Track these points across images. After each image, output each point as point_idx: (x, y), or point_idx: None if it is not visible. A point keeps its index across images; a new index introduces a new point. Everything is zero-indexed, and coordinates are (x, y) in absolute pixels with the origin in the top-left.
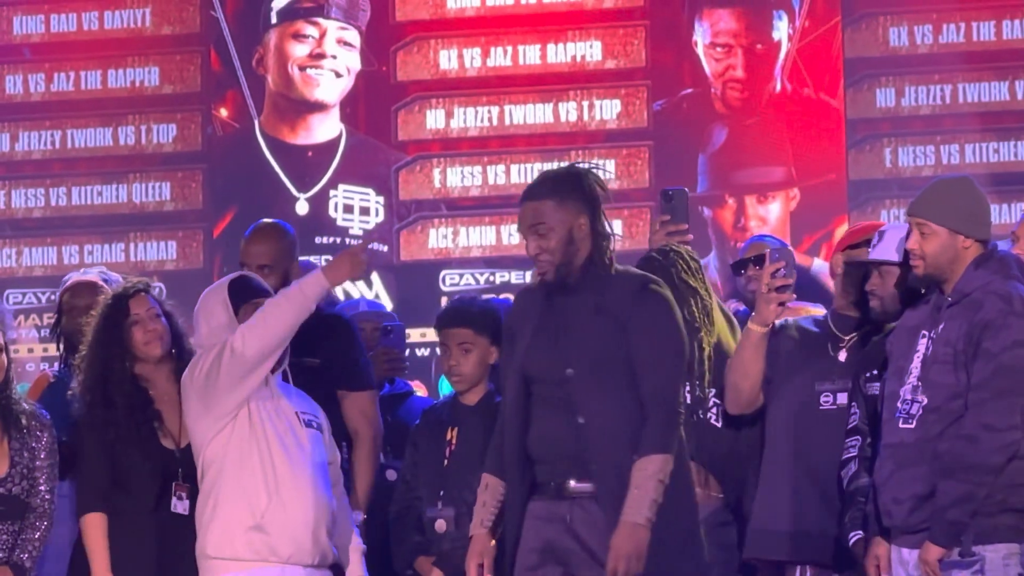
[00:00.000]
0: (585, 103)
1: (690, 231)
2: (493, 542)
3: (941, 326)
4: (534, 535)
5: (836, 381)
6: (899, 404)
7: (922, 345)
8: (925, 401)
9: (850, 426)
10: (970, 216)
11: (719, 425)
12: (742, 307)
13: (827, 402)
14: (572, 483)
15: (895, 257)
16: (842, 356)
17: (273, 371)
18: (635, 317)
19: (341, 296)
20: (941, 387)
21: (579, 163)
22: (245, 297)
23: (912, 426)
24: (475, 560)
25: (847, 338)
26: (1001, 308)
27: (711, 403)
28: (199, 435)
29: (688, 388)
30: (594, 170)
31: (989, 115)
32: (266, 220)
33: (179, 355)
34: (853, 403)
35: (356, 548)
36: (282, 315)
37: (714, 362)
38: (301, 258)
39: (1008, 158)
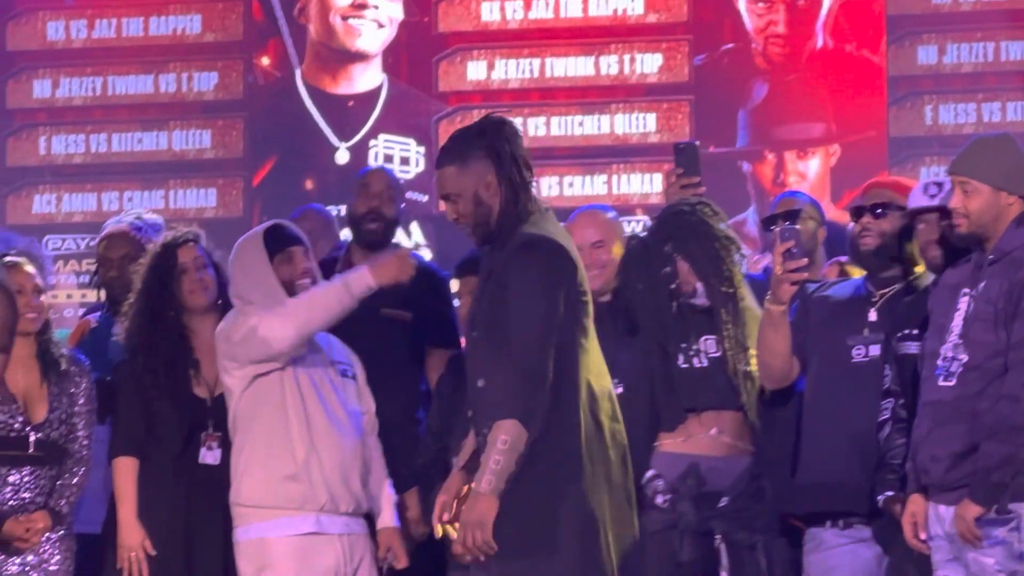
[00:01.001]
0: (626, 57)
1: (703, 183)
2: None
3: (982, 284)
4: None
5: (868, 335)
6: (939, 362)
7: (963, 303)
8: (966, 359)
9: (884, 388)
10: (1013, 173)
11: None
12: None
13: (859, 355)
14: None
15: (931, 203)
16: (872, 315)
17: None
18: (509, 278)
19: None
20: (982, 345)
21: (489, 116)
22: (280, 245)
23: (952, 384)
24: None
25: (879, 294)
26: None
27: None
28: (231, 388)
29: (727, 339)
30: (502, 123)
31: None
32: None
33: (224, 306)
34: (886, 364)
35: (388, 498)
36: (323, 311)
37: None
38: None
39: None
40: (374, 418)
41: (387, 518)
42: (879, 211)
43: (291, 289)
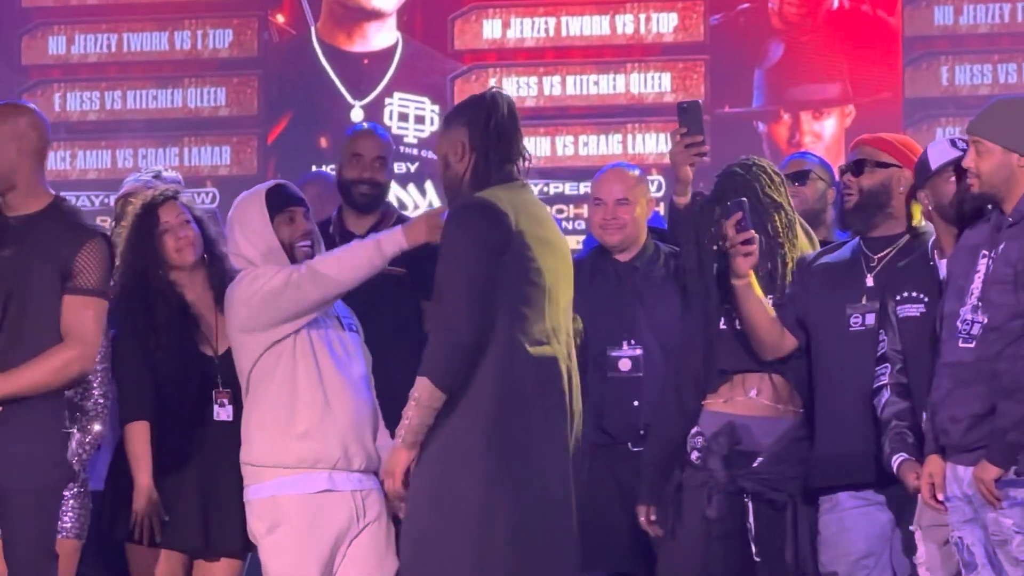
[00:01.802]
0: (642, 16)
1: (706, 142)
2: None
3: (1001, 246)
4: None
5: (864, 303)
6: (959, 324)
7: (982, 265)
8: (985, 321)
9: (879, 353)
10: None
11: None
12: None
13: (856, 323)
14: None
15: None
16: (870, 280)
17: None
18: (442, 241)
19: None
20: (1001, 307)
21: (489, 89)
22: (281, 205)
23: (972, 345)
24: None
25: (876, 258)
26: None
27: None
28: (249, 350)
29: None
30: (494, 96)
31: None
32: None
33: (211, 261)
34: (881, 330)
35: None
36: (355, 269)
37: None
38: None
39: None
40: (370, 374)
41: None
42: (857, 168)
43: (291, 251)
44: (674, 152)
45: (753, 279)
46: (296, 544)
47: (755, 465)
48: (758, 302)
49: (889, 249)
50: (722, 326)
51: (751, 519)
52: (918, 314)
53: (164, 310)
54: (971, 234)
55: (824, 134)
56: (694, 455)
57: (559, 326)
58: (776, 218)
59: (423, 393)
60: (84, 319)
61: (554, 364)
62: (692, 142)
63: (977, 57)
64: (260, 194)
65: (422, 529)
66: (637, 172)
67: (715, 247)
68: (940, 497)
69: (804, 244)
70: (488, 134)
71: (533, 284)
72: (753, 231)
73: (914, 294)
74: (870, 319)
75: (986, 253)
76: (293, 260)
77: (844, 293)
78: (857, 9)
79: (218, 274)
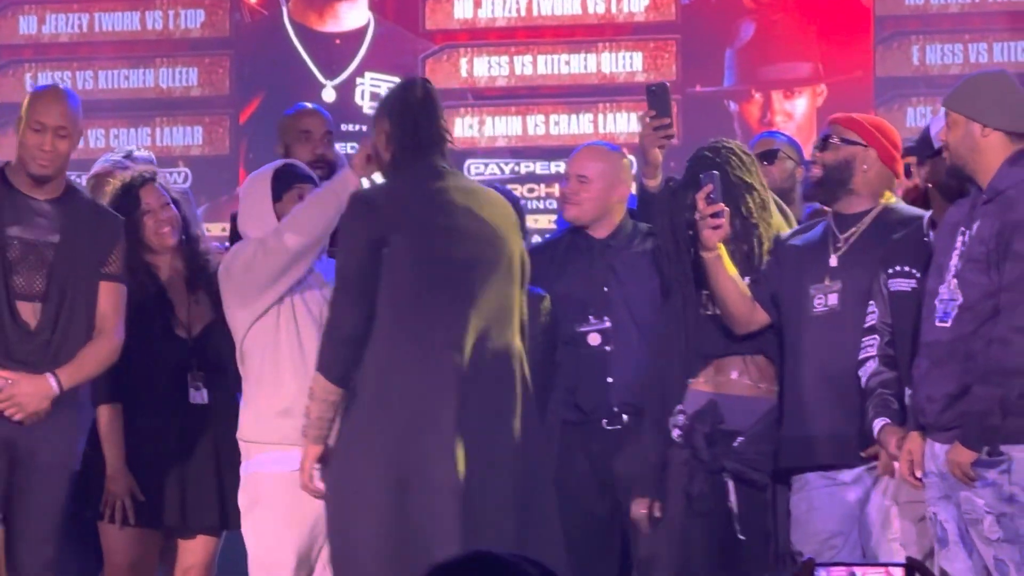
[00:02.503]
0: None
1: (673, 124)
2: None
3: (976, 224)
4: None
5: (827, 283)
6: (936, 302)
7: (959, 242)
8: (960, 300)
9: (867, 325)
10: (991, 106)
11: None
12: None
13: (819, 304)
14: None
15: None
16: (833, 260)
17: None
18: None
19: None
20: (974, 286)
21: (406, 77)
22: (289, 183)
23: (948, 324)
24: None
25: (843, 237)
26: None
27: None
28: (238, 324)
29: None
30: (411, 83)
31: (1018, 14)
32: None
33: (186, 242)
34: (871, 301)
35: None
36: (317, 215)
37: None
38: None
39: None
40: None
41: None
42: (824, 144)
43: None
44: (643, 135)
45: (723, 251)
46: (274, 522)
47: (735, 445)
48: (727, 276)
49: (854, 228)
50: (704, 310)
51: (732, 498)
52: (909, 289)
53: (138, 292)
54: (953, 211)
55: (795, 113)
56: (675, 432)
57: (480, 313)
58: (748, 199)
59: (316, 386)
60: (118, 306)
61: (448, 356)
62: (660, 124)
63: (948, 36)
64: (267, 174)
65: (332, 525)
66: (612, 153)
67: (690, 231)
68: (918, 474)
69: (780, 223)
70: (403, 122)
71: (425, 275)
72: (723, 204)
73: (906, 268)
74: (833, 299)
75: (964, 230)
76: None
77: (809, 272)
78: None
79: (193, 256)
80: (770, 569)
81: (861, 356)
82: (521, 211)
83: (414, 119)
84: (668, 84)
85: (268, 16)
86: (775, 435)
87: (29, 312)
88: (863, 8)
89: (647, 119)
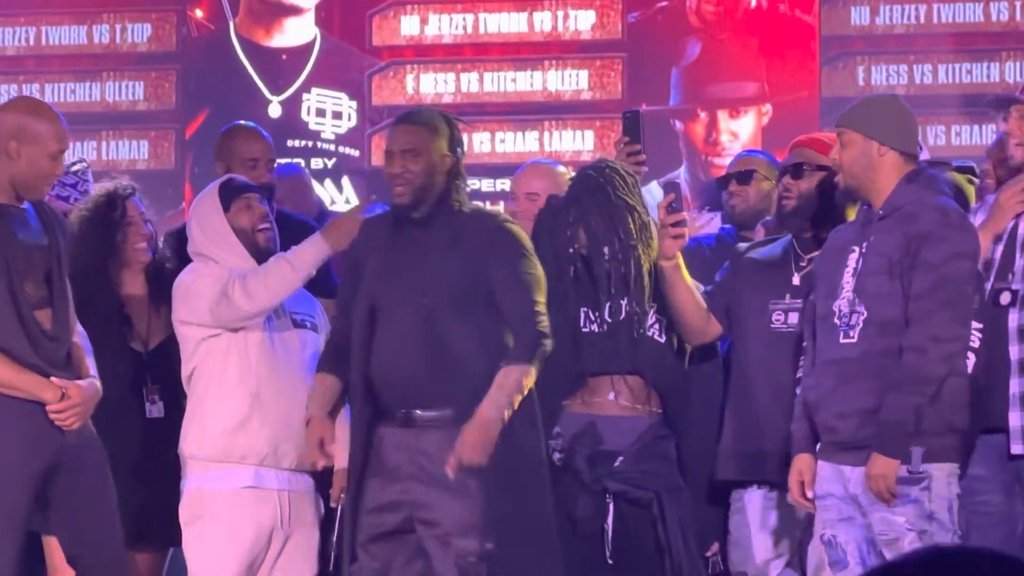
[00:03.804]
0: (560, 13)
1: (645, 149)
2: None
3: (871, 238)
4: (380, 462)
5: (788, 301)
6: (836, 320)
7: (852, 260)
8: (864, 314)
9: (804, 344)
10: (888, 126)
11: (661, 340)
12: (726, 226)
13: (778, 321)
14: (418, 412)
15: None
16: (796, 279)
17: None
18: (494, 251)
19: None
20: (878, 297)
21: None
22: (235, 194)
23: (854, 340)
24: (315, 437)
25: (807, 258)
26: (938, 219)
27: (652, 319)
28: (187, 340)
29: (627, 303)
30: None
31: (963, 36)
32: (243, 122)
33: (154, 259)
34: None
35: (342, 441)
36: (284, 281)
37: (654, 277)
38: (281, 161)
39: (981, 79)
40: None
41: (340, 460)
42: (796, 172)
43: (252, 236)
44: (617, 160)
45: (680, 262)
46: (214, 538)
47: (616, 464)
48: (685, 285)
49: (819, 250)
50: (583, 328)
51: (609, 520)
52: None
53: (101, 307)
54: (838, 235)
55: (741, 133)
56: (555, 456)
57: None
58: (629, 220)
59: (526, 380)
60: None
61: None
62: (632, 151)
63: (893, 57)
64: (213, 190)
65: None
66: (556, 169)
67: (571, 249)
68: (810, 495)
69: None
70: (460, 162)
71: None
72: (684, 213)
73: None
74: (793, 318)
75: (856, 248)
76: (255, 245)
77: (770, 289)
78: (775, 9)
79: (158, 273)
80: None
81: (797, 376)
82: None
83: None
84: (642, 111)
85: (215, 31)
86: (657, 453)
87: (44, 318)
88: (809, 28)
89: (621, 145)
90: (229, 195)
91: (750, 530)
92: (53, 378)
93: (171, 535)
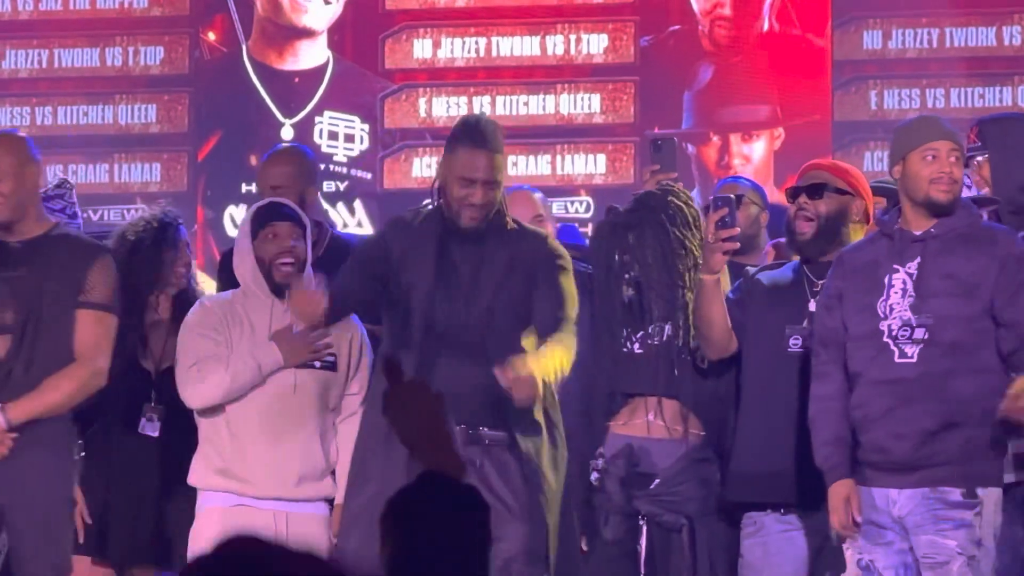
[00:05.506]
0: (572, 37)
1: (680, 179)
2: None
3: (926, 260)
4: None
5: (805, 326)
6: (886, 339)
7: (898, 280)
8: (926, 334)
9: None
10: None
11: (703, 367)
12: None
13: (795, 344)
14: (485, 430)
15: None
16: (812, 305)
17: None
18: (544, 268)
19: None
20: (945, 319)
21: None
22: (264, 221)
23: (913, 360)
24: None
25: (821, 284)
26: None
27: (694, 344)
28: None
29: (670, 328)
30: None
31: (975, 60)
32: (285, 143)
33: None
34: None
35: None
36: (232, 385)
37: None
38: None
39: (993, 103)
40: (356, 402)
41: (338, 496)
42: (815, 193)
43: (269, 270)
44: (648, 188)
45: (724, 277)
46: (204, 533)
47: (652, 487)
48: (721, 301)
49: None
50: (627, 349)
51: (642, 541)
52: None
53: (122, 323)
54: (857, 255)
55: (753, 156)
56: (594, 476)
57: None
58: (680, 265)
59: (568, 356)
60: (96, 334)
61: None
62: (665, 179)
63: (905, 81)
64: (250, 213)
65: None
66: (531, 192)
67: (627, 274)
68: (859, 519)
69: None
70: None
71: None
72: (737, 229)
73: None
74: (809, 342)
75: (898, 268)
76: (271, 280)
77: (786, 313)
78: (787, 32)
79: (186, 299)
80: None
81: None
82: None
83: None
84: (676, 139)
85: (227, 54)
86: (694, 476)
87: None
88: (821, 52)
89: (648, 173)
90: (260, 220)
91: (766, 554)
92: None
93: (161, 554)
